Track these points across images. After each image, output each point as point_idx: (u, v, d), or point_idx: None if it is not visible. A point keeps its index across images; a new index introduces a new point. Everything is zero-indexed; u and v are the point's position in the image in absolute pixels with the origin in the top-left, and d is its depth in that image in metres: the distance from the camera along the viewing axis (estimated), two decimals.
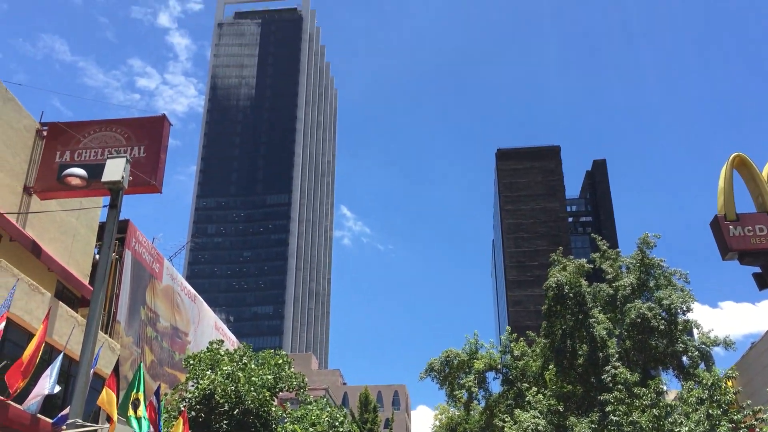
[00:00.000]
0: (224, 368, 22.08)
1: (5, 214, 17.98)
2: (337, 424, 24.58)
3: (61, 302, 19.06)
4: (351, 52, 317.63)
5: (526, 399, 29.69)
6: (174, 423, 19.79)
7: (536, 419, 27.31)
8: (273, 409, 21.91)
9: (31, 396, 14.22)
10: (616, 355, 28.11)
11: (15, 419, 13.62)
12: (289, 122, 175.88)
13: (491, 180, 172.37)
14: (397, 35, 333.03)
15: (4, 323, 13.56)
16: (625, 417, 25.10)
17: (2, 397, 13.40)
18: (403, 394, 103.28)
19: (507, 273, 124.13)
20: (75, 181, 10.82)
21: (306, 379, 25.54)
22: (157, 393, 18.74)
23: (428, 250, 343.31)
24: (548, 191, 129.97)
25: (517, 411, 29.00)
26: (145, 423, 17.58)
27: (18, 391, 13.59)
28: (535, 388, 29.97)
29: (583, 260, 31.25)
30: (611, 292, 30.32)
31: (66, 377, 17.19)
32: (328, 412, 25.22)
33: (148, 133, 20.89)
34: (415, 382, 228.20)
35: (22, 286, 16.63)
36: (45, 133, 20.94)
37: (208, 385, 21.31)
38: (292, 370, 24.38)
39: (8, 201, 18.74)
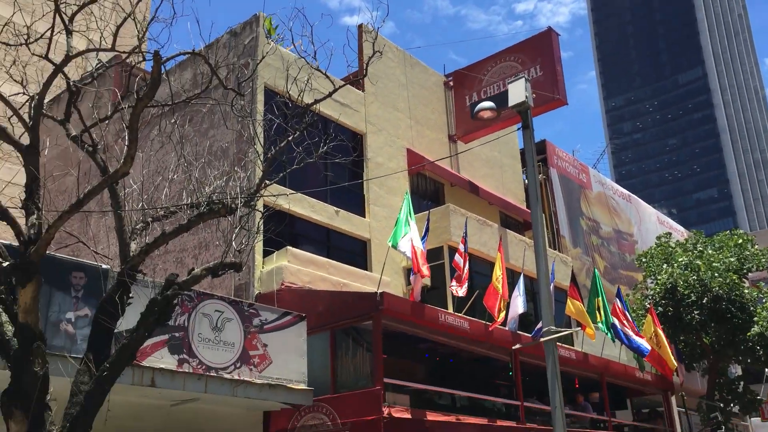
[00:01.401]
0: (679, 259, 21.31)
1: (441, 165, 20.06)
2: None
3: (507, 230, 20.64)
4: None
5: None
6: (643, 321, 19.89)
7: None
8: (746, 291, 20.40)
9: (509, 317, 15.76)
10: None
11: (500, 338, 15.26)
12: None
13: None
14: None
15: (462, 260, 15.21)
16: None
17: (489, 323, 15.10)
18: None
19: None
20: (487, 114, 11.47)
21: None
22: (618, 295, 19.05)
23: None
24: None
25: None
26: (609, 326, 18.06)
27: (500, 313, 15.19)
28: None
29: None
30: None
31: (531, 295, 18.57)
32: None
33: (539, 51, 21.27)
34: None
35: (472, 223, 18.43)
36: (451, 84, 22.77)
37: (667, 279, 20.81)
38: (756, 247, 22.30)
39: (440, 152, 20.89)
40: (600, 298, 18.08)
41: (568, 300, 17.76)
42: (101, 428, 7.35)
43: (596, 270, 20.53)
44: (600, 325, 17.85)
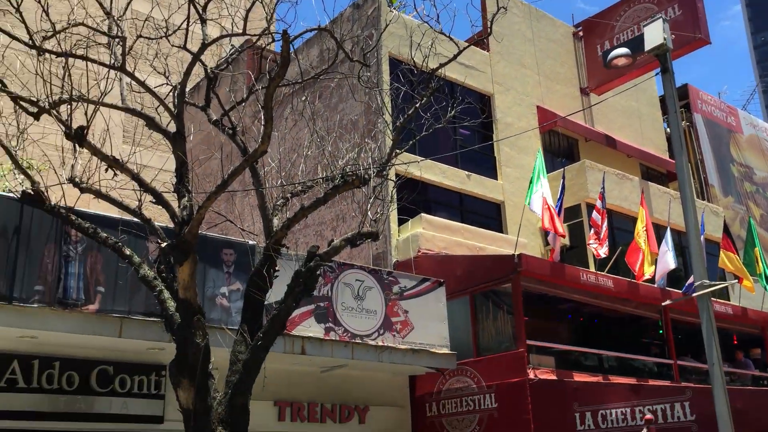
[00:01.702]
0: None
1: (574, 120, 19.34)
2: None
3: (649, 182, 19.64)
4: None
5: None
6: None
7: None
8: None
9: (658, 274, 15.09)
10: None
11: (647, 296, 14.65)
12: None
13: None
14: None
15: (602, 219, 14.67)
16: None
17: (634, 280, 14.55)
18: None
19: None
20: (621, 62, 10.83)
21: None
22: None
23: None
24: None
25: None
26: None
27: (649, 268, 14.57)
28: None
29: None
30: None
31: (680, 249, 17.64)
32: None
33: None
34: None
35: (611, 178, 17.70)
36: (581, 34, 21.80)
37: None
38: None
39: (572, 107, 20.14)
40: (758, 249, 16.91)
41: (721, 252, 16.73)
42: (259, 394, 7.81)
43: (751, 219, 19.17)
44: (760, 278, 16.71)
